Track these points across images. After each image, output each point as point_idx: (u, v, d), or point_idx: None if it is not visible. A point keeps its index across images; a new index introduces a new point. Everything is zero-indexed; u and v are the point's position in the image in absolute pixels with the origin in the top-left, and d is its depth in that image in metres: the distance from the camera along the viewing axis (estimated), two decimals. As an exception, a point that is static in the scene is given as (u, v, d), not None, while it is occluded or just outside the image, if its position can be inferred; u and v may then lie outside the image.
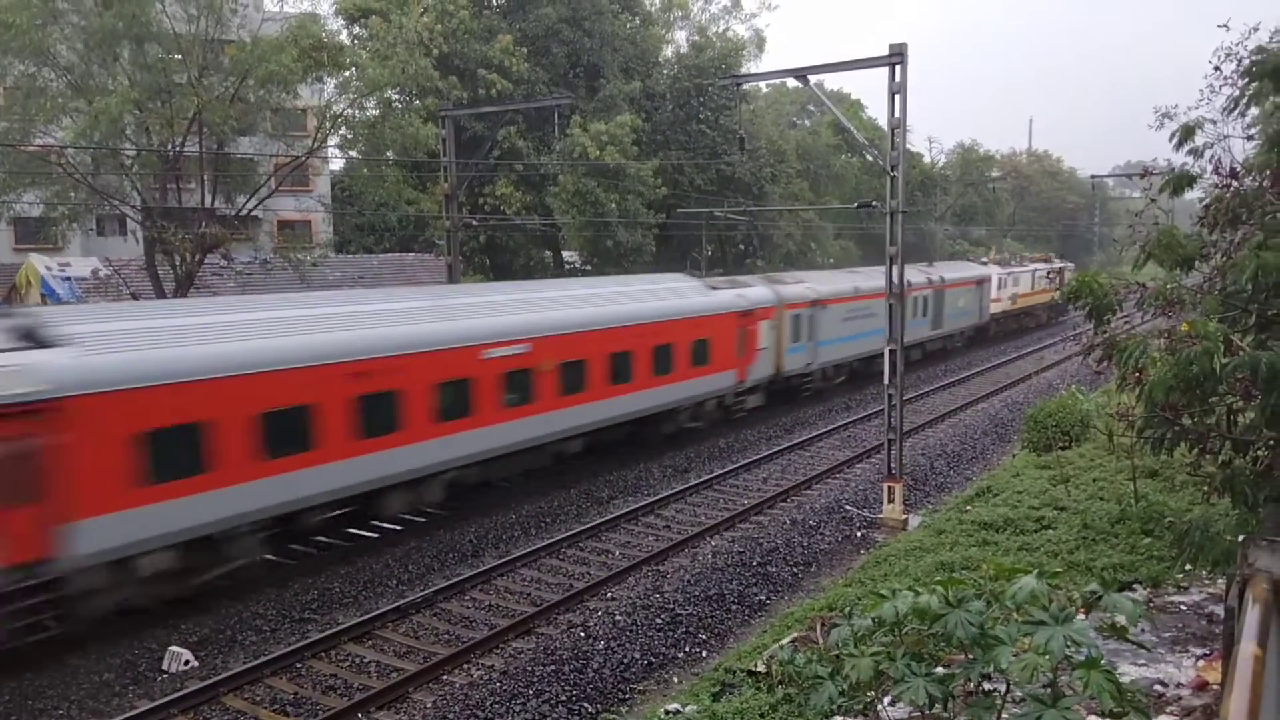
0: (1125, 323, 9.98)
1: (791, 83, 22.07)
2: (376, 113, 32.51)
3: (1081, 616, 5.17)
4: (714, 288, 26.61)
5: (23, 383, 11.83)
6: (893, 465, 18.60)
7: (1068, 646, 4.76)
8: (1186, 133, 9.35)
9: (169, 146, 25.36)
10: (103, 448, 12.38)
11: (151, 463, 12.83)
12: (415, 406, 16.39)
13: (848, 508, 19.21)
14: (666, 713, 10.48)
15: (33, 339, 12.65)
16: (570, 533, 17.42)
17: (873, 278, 32.18)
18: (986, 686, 5.95)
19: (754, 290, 27.26)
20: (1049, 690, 4.88)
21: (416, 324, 17.08)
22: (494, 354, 17.89)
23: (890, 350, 18.66)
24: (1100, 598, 5.14)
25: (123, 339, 13.19)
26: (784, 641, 11.50)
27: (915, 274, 36.91)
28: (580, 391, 19.99)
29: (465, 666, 12.40)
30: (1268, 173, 9.52)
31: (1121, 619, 5.22)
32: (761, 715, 9.63)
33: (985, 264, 48.99)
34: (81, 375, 12.25)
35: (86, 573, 12.39)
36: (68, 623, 12.43)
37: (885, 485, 18.63)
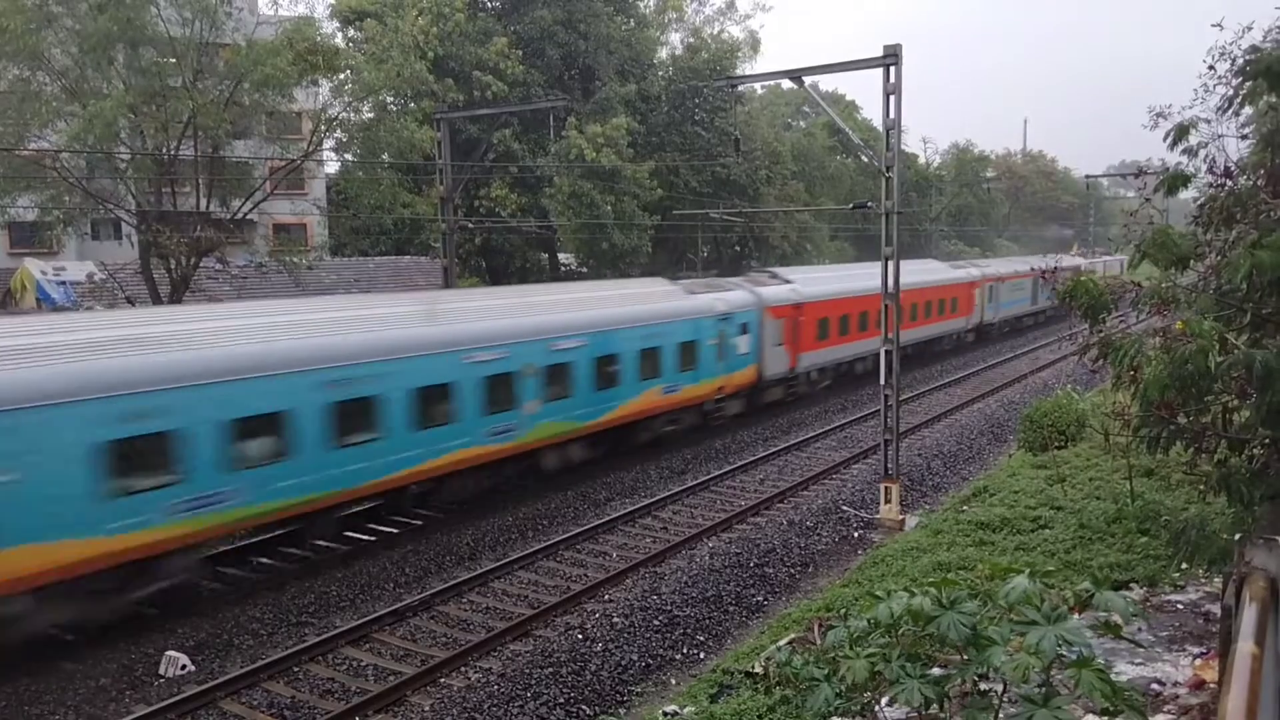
0: (1120, 322, 9.97)
1: (786, 84, 22.74)
2: (372, 116, 32.49)
3: (1076, 616, 5.16)
4: (956, 267, 44.60)
5: (794, 296, 28.34)
6: (889, 466, 18.62)
7: (1060, 646, 4.75)
8: (1181, 132, 9.33)
9: (164, 150, 25.28)
10: (808, 326, 28.73)
11: (818, 332, 29.41)
12: (853, 322, 31.37)
13: (845, 508, 19.23)
14: (664, 714, 10.49)
15: (779, 279, 29.45)
16: (567, 535, 17.43)
17: (1020, 264, 49.54)
18: (983, 687, 5.94)
19: (970, 269, 44.31)
20: (1042, 690, 4.87)
21: (860, 281, 31.16)
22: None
23: (885, 351, 18.68)
24: (1093, 596, 5.14)
25: (810, 282, 30.08)
26: (781, 643, 11.48)
27: (1040, 262, 55.60)
28: (914, 321, 35.47)
29: (463, 669, 12.39)
30: (1262, 172, 9.52)
31: (1116, 617, 5.22)
32: (759, 717, 9.62)
33: (1074, 255, 61.11)
34: (804, 294, 28.85)
35: (800, 376, 29.25)
36: (798, 397, 29.58)
37: (882, 486, 18.64)
